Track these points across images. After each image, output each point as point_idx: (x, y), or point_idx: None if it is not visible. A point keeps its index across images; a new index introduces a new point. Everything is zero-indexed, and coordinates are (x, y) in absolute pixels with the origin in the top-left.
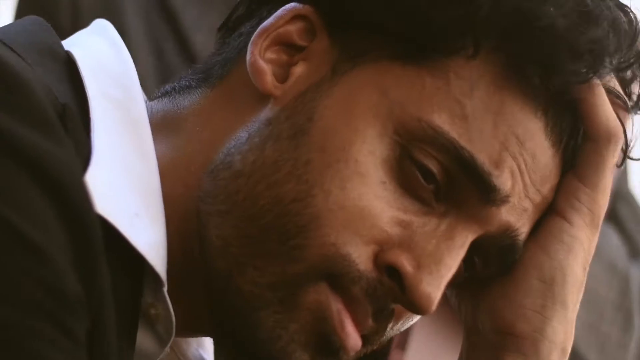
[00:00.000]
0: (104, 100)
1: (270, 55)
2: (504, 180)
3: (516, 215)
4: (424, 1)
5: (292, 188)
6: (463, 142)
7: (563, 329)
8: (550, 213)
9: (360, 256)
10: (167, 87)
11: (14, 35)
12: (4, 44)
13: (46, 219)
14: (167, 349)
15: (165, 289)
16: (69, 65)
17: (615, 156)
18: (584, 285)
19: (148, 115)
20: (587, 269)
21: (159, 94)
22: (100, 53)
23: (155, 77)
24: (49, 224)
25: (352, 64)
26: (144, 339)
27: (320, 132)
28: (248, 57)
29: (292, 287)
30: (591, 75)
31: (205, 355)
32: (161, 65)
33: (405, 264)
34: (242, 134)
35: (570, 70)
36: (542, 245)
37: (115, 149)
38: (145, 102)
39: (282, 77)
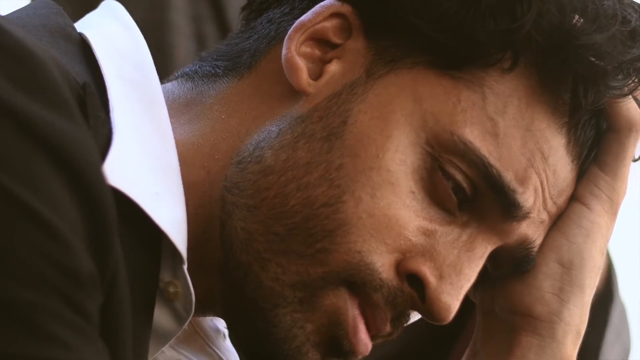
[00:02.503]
0: (120, 80)
1: (304, 49)
2: (528, 197)
3: (534, 228)
4: (468, 13)
5: (323, 192)
6: (492, 160)
7: (579, 312)
8: (571, 199)
9: (384, 265)
10: (187, 69)
11: (27, 19)
12: (18, 25)
13: (59, 196)
14: (186, 326)
15: (185, 267)
16: (83, 47)
17: (635, 146)
18: (601, 269)
19: (166, 97)
20: (605, 253)
21: (178, 75)
22: (113, 35)
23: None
24: (62, 202)
25: (388, 68)
26: (161, 316)
27: (354, 137)
28: (284, 52)
29: (312, 289)
30: (632, 90)
31: (220, 326)
32: (201, 50)
33: (428, 273)
34: (272, 128)
35: (613, 86)
36: (561, 230)
37: (134, 128)
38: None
39: (316, 74)
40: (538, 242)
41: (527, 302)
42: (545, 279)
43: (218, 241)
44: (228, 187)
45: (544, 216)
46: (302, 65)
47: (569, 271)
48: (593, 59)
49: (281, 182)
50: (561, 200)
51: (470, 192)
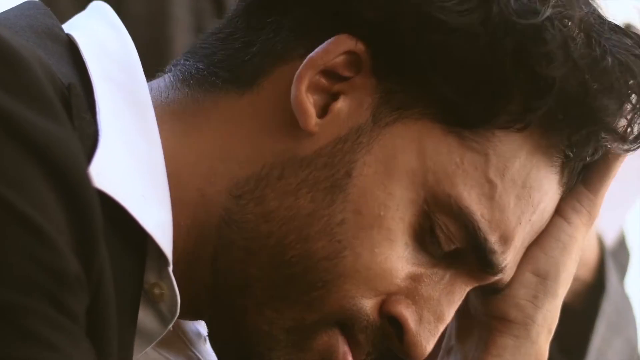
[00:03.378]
0: (107, 82)
1: (312, 81)
2: (506, 257)
3: (509, 271)
4: (492, 78)
5: (323, 246)
6: (482, 224)
7: (551, 315)
8: None
9: (371, 307)
10: (182, 68)
11: (14, 19)
12: (4, 26)
13: (45, 198)
14: (170, 327)
15: (170, 269)
16: (71, 48)
17: (620, 167)
18: (572, 275)
19: (158, 97)
20: (578, 261)
21: (172, 72)
22: (101, 36)
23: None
24: (48, 204)
25: (395, 116)
26: (146, 318)
27: (357, 192)
28: (293, 91)
29: (307, 332)
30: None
31: (202, 330)
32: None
33: (410, 320)
34: (275, 165)
35: (625, 146)
36: (540, 244)
37: (120, 130)
38: (150, 85)
39: (321, 108)
40: (510, 277)
41: (502, 308)
42: (520, 288)
43: (208, 266)
44: (227, 220)
45: (520, 254)
46: (311, 109)
47: (544, 281)
48: (606, 124)
49: (282, 232)
50: (543, 226)
51: (452, 251)
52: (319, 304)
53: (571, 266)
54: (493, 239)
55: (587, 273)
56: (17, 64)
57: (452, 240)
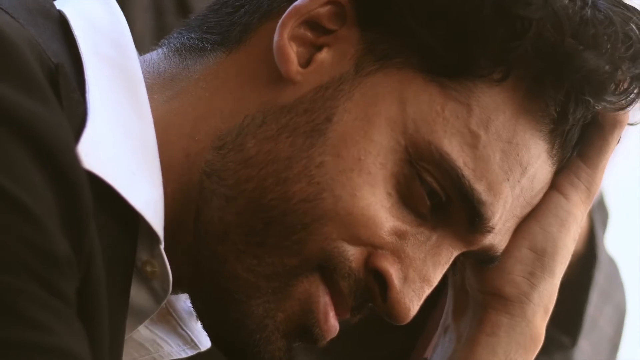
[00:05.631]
0: (97, 59)
1: (296, 31)
2: (495, 210)
3: (499, 237)
4: (466, 24)
5: (301, 188)
6: (466, 172)
7: (548, 294)
8: (549, 188)
9: (354, 255)
10: (175, 40)
11: None
12: None
13: (34, 180)
14: (163, 304)
15: (162, 246)
16: (62, 24)
17: (617, 140)
18: (571, 254)
19: (149, 70)
20: (577, 239)
21: (165, 44)
22: (92, 11)
23: (153, 37)
24: (37, 185)
25: (377, 65)
26: (139, 296)
27: (337, 137)
28: (276, 38)
29: (287, 278)
30: (623, 107)
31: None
32: (160, 25)
33: (394, 276)
34: (257, 115)
35: (605, 102)
36: (537, 218)
37: (111, 107)
38: (143, 58)
39: (305, 59)
40: (503, 246)
41: (497, 284)
42: (516, 264)
43: (191, 226)
44: (208, 172)
45: (511, 223)
46: (293, 55)
47: (541, 258)
48: (587, 76)
49: (261, 176)
50: (536, 199)
51: (444, 198)
52: (299, 248)
53: (569, 243)
54: (480, 188)
55: (577, 244)
56: (4, 46)
57: (438, 190)
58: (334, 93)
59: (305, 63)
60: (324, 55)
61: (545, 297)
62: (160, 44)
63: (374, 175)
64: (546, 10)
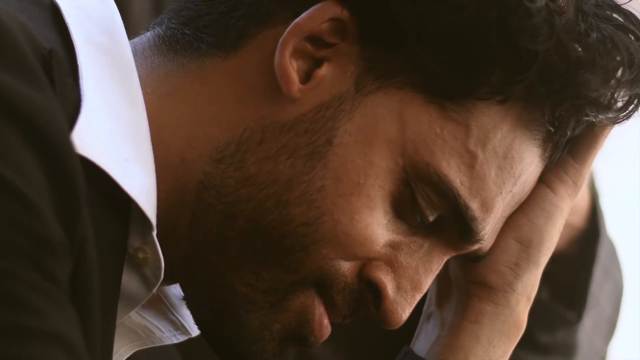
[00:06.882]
0: (90, 46)
1: (296, 46)
2: (486, 225)
3: (488, 241)
4: (476, 51)
5: (302, 212)
6: (462, 191)
7: (531, 284)
8: (537, 181)
9: (349, 269)
10: (167, 32)
11: None
12: None
13: (27, 165)
14: (155, 291)
15: (154, 233)
16: (54, 12)
17: (606, 137)
18: (555, 245)
19: (144, 63)
20: (561, 230)
21: (157, 38)
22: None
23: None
24: (31, 170)
25: (377, 84)
26: (130, 282)
27: (337, 161)
28: (277, 57)
29: (284, 293)
30: (617, 122)
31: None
32: (159, 7)
33: (388, 286)
34: (256, 129)
35: (608, 118)
36: (524, 211)
37: (104, 94)
38: (134, 44)
39: (305, 73)
40: (489, 245)
41: (482, 273)
42: (502, 254)
43: (185, 230)
44: (206, 185)
45: (499, 225)
46: (294, 75)
47: (527, 249)
48: (589, 101)
49: (261, 197)
50: (524, 197)
51: (432, 220)
52: (298, 266)
53: (555, 236)
54: (474, 206)
55: (580, 220)
56: None
57: (434, 208)
58: (335, 113)
59: (305, 78)
60: (324, 71)
61: (529, 287)
62: (151, 28)
63: (373, 197)
64: (552, 40)
